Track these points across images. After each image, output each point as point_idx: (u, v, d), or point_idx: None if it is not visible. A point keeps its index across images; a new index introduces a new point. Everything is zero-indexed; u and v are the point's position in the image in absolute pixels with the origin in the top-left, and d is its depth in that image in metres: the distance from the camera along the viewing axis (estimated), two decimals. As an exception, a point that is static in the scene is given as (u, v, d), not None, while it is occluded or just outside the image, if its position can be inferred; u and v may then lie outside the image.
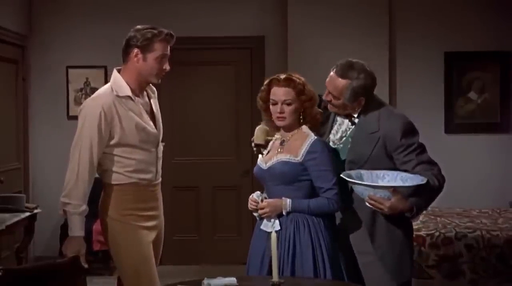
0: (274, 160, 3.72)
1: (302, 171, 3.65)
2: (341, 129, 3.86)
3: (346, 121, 3.84)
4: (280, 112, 3.72)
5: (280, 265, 3.59)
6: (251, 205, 3.74)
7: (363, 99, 3.75)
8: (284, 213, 3.65)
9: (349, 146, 3.76)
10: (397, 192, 3.50)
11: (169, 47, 3.85)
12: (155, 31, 3.79)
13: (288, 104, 3.71)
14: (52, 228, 7.39)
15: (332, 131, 3.89)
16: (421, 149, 3.80)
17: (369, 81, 3.76)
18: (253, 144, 4.01)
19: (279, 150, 3.76)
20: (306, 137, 3.71)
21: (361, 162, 3.70)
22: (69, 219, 3.74)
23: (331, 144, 3.85)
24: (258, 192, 3.74)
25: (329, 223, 3.70)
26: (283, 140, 3.77)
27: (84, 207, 3.74)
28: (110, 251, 3.94)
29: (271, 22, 7.62)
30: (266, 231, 3.69)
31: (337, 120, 3.90)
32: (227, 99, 7.69)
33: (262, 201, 3.70)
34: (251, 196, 3.74)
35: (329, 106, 3.82)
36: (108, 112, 3.73)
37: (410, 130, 3.77)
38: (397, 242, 3.74)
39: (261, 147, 3.96)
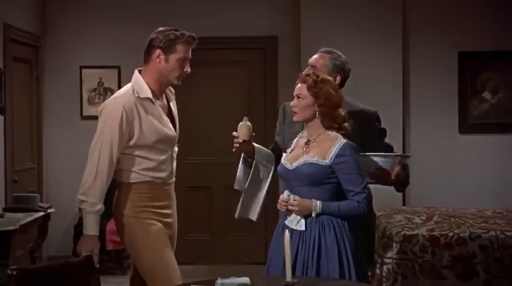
0: (301, 161, 3.67)
1: (330, 174, 3.62)
2: None
3: None
4: (292, 106, 3.74)
5: (304, 266, 3.58)
6: (281, 206, 3.69)
7: (339, 80, 4.09)
8: (313, 215, 3.62)
9: None
10: (399, 162, 3.85)
11: (190, 50, 3.89)
12: (178, 33, 3.83)
13: (300, 98, 3.71)
14: (66, 228, 7.42)
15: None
16: (386, 135, 4.22)
17: (347, 67, 4.19)
18: (240, 140, 3.93)
19: (304, 149, 3.73)
20: (335, 139, 3.66)
21: None
22: (85, 217, 3.76)
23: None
24: (287, 191, 3.71)
25: (351, 225, 3.70)
26: (309, 140, 3.75)
27: (100, 206, 3.75)
28: (127, 247, 3.95)
29: (284, 22, 7.62)
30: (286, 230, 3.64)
31: None
32: (240, 99, 7.69)
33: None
34: (281, 197, 3.71)
35: None
36: (130, 113, 3.76)
37: (379, 118, 4.23)
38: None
39: (245, 144, 3.94)
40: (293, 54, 7.47)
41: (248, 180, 4.00)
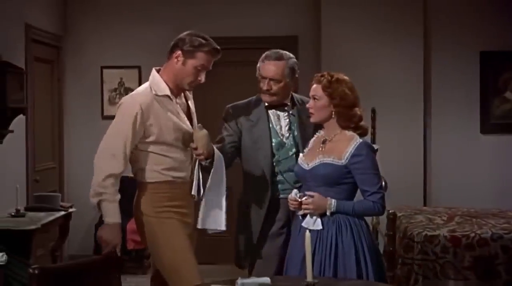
0: (317, 161, 3.68)
1: (346, 174, 3.62)
2: (281, 123, 4.11)
3: (282, 114, 4.11)
4: (309, 107, 3.74)
5: (322, 266, 3.58)
6: (292, 205, 3.70)
7: (297, 79, 4.15)
8: (328, 213, 3.62)
9: (296, 134, 4.06)
10: None
11: (212, 62, 3.89)
12: (204, 41, 3.84)
13: (316, 99, 3.72)
14: (87, 227, 7.45)
15: (276, 128, 4.10)
16: None
17: (296, 64, 4.16)
18: (201, 151, 3.76)
19: (320, 148, 3.73)
20: (351, 139, 3.67)
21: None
22: (106, 207, 3.75)
23: (281, 137, 4.08)
24: (296, 190, 3.71)
25: (368, 225, 3.68)
26: (325, 139, 3.75)
27: (119, 196, 3.77)
28: (147, 246, 3.97)
29: (305, 22, 7.61)
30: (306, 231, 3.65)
31: (271, 120, 4.11)
32: (260, 99, 7.68)
33: (300, 198, 3.66)
34: (289, 196, 3.71)
35: (266, 97, 4.10)
36: (146, 111, 3.77)
37: None
38: None
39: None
40: (313, 55, 7.45)
41: (208, 185, 3.89)
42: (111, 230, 3.76)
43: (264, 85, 4.08)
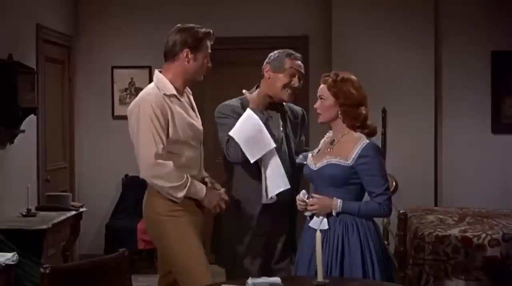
0: (324, 162, 3.67)
1: (352, 175, 3.61)
2: (275, 125, 4.13)
3: (275, 114, 4.15)
4: (316, 107, 3.73)
5: (328, 267, 3.56)
6: (300, 206, 3.70)
7: None
8: (334, 213, 3.61)
9: (287, 134, 4.17)
10: None
11: None
12: (203, 31, 3.89)
13: (322, 99, 3.71)
14: (97, 227, 7.46)
15: (272, 131, 4.09)
16: None
17: None
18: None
19: (328, 149, 3.72)
20: (358, 140, 3.65)
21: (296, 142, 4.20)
22: (193, 188, 3.82)
23: (279, 140, 4.09)
24: (304, 191, 3.71)
25: (376, 225, 3.67)
26: (333, 140, 3.75)
27: (187, 175, 3.82)
28: (158, 245, 3.98)
29: (315, 22, 7.60)
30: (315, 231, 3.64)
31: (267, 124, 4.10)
32: (271, 99, 7.67)
33: (308, 198, 3.66)
34: (297, 196, 3.71)
35: (289, 97, 4.14)
36: (162, 108, 3.77)
37: None
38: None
39: None
40: (324, 54, 7.44)
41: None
42: (209, 196, 3.86)
43: (297, 82, 4.11)
